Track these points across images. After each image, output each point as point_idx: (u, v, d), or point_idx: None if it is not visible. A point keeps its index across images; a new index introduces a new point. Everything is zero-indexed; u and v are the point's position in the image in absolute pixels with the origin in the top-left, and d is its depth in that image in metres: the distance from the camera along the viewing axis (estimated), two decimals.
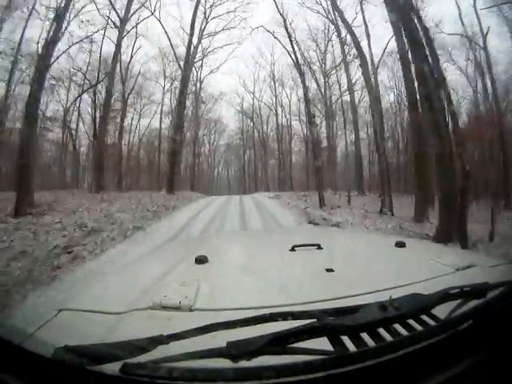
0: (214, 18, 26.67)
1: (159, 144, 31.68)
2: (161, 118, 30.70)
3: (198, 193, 24.66)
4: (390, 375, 0.49)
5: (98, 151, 18.82)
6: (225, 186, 47.77)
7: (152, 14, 22.16)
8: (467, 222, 6.59)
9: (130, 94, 25.66)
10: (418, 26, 7.88)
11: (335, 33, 22.05)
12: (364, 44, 18.73)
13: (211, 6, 25.58)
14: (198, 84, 32.03)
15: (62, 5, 12.66)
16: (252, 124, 39.15)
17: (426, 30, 8.05)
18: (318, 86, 28.80)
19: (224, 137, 43.64)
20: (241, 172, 43.87)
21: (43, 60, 11.99)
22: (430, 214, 10.08)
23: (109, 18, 19.91)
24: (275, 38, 22.28)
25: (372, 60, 19.43)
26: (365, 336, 0.53)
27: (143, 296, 0.79)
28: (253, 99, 38.02)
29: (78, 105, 23.67)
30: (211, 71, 31.31)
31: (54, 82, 20.38)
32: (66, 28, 17.28)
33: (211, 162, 45.03)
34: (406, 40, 9.53)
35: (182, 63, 25.16)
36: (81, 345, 0.51)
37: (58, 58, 17.61)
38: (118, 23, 20.60)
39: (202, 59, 28.85)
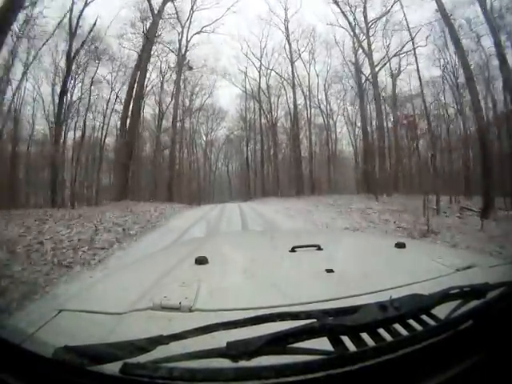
0: None
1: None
2: (138, 100, 21.18)
3: (175, 204, 18.68)
4: (390, 375, 0.49)
5: None
6: (225, 182, 41.99)
7: None
8: None
9: (78, 51, 18.28)
10: None
11: None
12: None
13: None
14: (184, 42, 24.05)
15: None
16: (258, 107, 30.63)
17: None
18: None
19: (224, 128, 35.77)
20: (243, 169, 36.05)
21: None
22: None
23: None
24: None
25: None
26: (365, 336, 0.53)
27: (143, 296, 0.79)
28: (259, 71, 29.37)
29: None
30: (202, 29, 24.77)
31: None
32: None
33: (208, 157, 37.20)
34: None
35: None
36: (81, 345, 0.51)
37: None
38: None
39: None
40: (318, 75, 27.71)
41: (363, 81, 24.02)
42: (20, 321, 0.79)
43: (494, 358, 0.53)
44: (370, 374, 0.48)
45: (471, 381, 0.52)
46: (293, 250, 1.14)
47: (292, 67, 27.45)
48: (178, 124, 26.84)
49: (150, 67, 22.85)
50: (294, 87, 27.42)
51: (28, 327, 0.67)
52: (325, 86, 27.68)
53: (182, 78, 25.60)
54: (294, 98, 27.62)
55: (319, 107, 28.16)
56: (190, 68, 24.87)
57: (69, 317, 0.75)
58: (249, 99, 31.90)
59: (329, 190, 24.41)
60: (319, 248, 1.15)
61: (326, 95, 27.99)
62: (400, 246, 1.19)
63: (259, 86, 30.06)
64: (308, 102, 27.99)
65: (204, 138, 35.54)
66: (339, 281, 0.89)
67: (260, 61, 29.46)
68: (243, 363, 0.47)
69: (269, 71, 29.46)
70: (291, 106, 28.35)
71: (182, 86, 26.49)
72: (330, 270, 0.93)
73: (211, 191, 38.26)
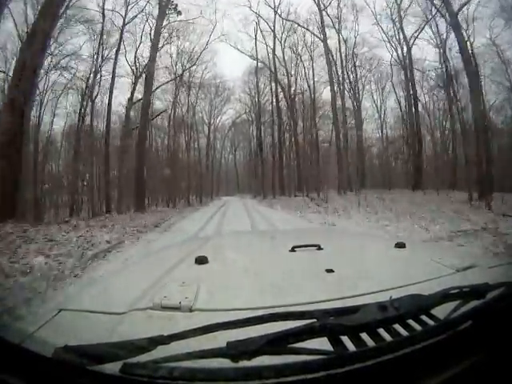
0: None
1: None
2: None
3: (115, 227, 9.81)
4: (390, 375, 0.49)
5: None
6: (231, 172, 37.76)
7: None
8: None
9: None
10: None
11: None
12: None
13: None
14: None
15: None
16: (273, 78, 24.27)
17: None
18: None
19: (230, 109, 30.34)
20: (252, 157, 30.01)
21: None
22: None
23: None
24: None
25: None
26: (365, 336, 0.54)
27: (143, 296, 0.79)
28: (273, 29, 23.15)
29: None
30: None
31: None
32: None
33: (212, 145, 31.67)
34: None
35: None
36: (81, 345, 0.51)
37: None
38: None
39: None
40: (345, 41, 22.07)
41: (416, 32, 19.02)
42: (20, 320, 0.80)
43: (493, 358, 0.53)
44: (369, 373, 0.48)
45: (471, 381, 0.52)
46: (293, 249, 1.14)
47: (321, 15, 21.45)
48: (169, 100, 21.95)
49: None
50: (325, 39, 21.25)
51: (28, 327, 0.67)
52: (353, 55, 22.74)
53: (170, 42, 19.22)
54: (327, 54, 21.07)
55: (349, 80, 22.78)
56: (178, 13, 17.59)
57: (69, 316, 0.75)
58: (259, 72, 26.06)
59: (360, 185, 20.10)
60: (319, 248, 1.15)
61: (355, 66, 22.98)
62: (400, 246, 1.19)
63: (274, 51, 23.45)
64: (343, 71, 22.08)
65: (206, 121, 29.81)
66: (339, 281, 0.89)
67: (275, 11, 23.16)
68: (243, 363, 0.48)
69: (285, 37, 23.53)
70: (310, 80, 23.04)
71: (176, 52, 20.50)
72: (330, 270, 0.93)
73: (215, 185, 34.43)
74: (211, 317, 0.60)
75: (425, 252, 1.32)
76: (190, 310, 0.72)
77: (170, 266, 1.08)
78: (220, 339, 0.51)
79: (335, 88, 21.75)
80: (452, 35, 16.97)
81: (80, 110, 17.13)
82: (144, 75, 17.79)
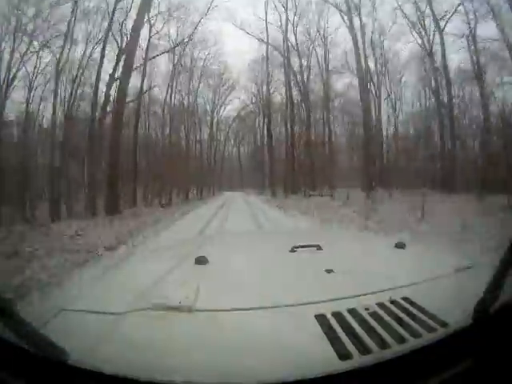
0: None
1: None
2: None
3: None
4: (390, 375, 0.49)
5: None
6: (235, 167, 36.02)
7: None
8: None
9: None
10: None
11: None
12: None
13: None
14: None
15: None
16: (285, 63, 21.40)
17: None
18: None
19: (236, 98, 27.69)
20: (260, 150, 27.76)
21: None
22: None
23: None
24: None
25: None
26: (365, 336, 0.54)
27: (143, 296, 0.79)
28: (286, 8, 20.60)
29: None
30: None
31: None
32: None
33: (214, 136, 29.28)
34: None
35: None
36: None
37: None
38: None
39: None
40: (363, 27, 19.11)
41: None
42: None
43: (493, 358, 0.53)
44: (370, 373, 0.48)
45: (471, 381, 0.53)
46: (293, 250, 1.14)
47: None
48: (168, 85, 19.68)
49: None
50: (349, 8, 18.44)
51: None
52: (372, 38, 19.64)
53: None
54: (351, 27, 18.23)
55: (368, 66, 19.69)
56: None
57: (69, 316, 0.75)
58: (270, 58, 23.20)
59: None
60: (319, 248, 1.14)
61: (374, 54, 19.91)
62: (400, 246, 1.19)
63: (286, 32, 20.69)
64: (365, 52, 18.94)
65: (209, 111, 27.42)
66: (339, 281, 0.89)
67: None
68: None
69: (297, 19, 20.78)
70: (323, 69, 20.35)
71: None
72: (329, 270, 0.92)
73: (217, 179, 32.87)
74: (211, 317, 0.63)
75: (424, 252, 1.33)
76: (190, 310, 0.71)
77: (170, 266, 1.07)
78: (220, 340, 0.53)
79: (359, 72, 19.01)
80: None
81: (71, 94, 15.51)
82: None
